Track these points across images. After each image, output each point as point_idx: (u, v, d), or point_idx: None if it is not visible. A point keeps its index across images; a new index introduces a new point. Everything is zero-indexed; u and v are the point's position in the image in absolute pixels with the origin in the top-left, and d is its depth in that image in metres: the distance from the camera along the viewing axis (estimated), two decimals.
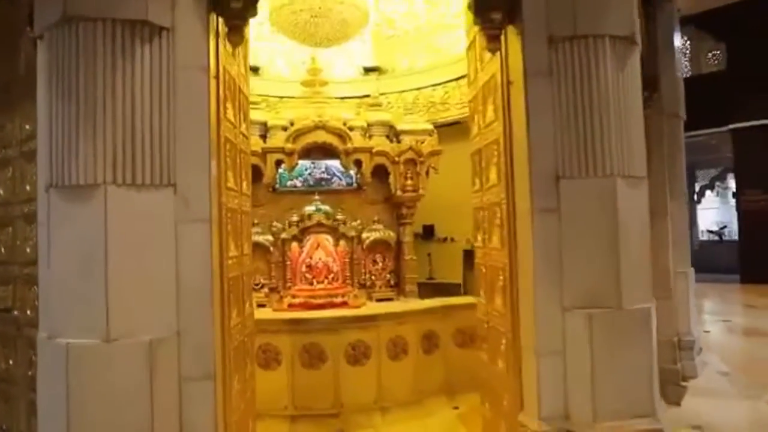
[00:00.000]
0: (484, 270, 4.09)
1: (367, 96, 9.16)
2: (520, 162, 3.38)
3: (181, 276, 2.73)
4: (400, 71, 9.62)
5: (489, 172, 3.87)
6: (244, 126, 3.86)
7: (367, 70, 9.76)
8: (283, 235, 7.99)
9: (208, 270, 2.81)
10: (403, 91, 9.46)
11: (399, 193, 8.03)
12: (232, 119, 3.52)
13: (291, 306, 7.35)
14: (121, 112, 2.67)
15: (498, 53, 3.50)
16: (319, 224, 7.86)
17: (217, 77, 3.11)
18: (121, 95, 2.77)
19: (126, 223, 2.71)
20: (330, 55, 9.06)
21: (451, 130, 8.94)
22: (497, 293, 3.77)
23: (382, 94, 9.10)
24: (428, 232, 9.75)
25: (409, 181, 8.05)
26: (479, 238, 4.25)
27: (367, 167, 7.83)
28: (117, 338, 2.53)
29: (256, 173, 7.64)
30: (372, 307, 6.65)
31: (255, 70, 9.33)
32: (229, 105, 3.43)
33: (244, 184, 3.84)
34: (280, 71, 9.58)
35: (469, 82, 4.36)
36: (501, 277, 3.64)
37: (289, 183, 8.28)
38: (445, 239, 9.85)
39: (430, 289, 8.96)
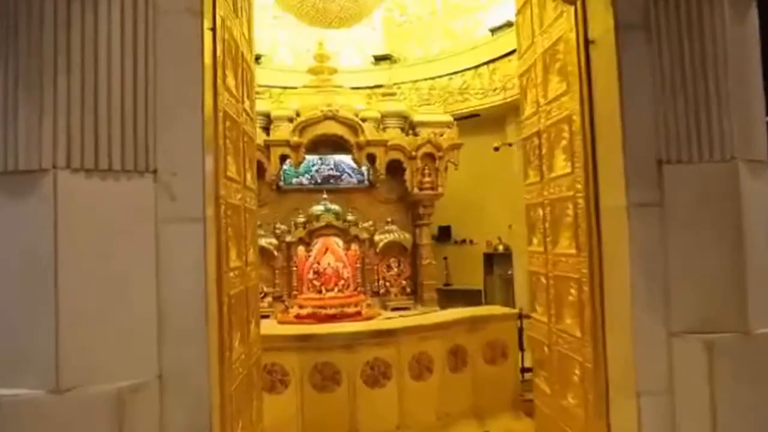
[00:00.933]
0: (544, 281, 3.31)
1: (379, 86, 8.40)
2: (607, 144, 2.61)
3: (164, 296, 1.96)
4: (413, 59, 8.86)
5: (554, 160, 3.10)
6: (248, 103, 3.09)
7: (378, 59, 9.00)
8: (289, 238, 7.21)
9: (201, 286, 2.03)
10: (417, 81, 8.69)
11: (416, 190, 7.26)
12: (234, 91, 2.74)
13: (298, 317, 6.57)
14: (79, 74, 1.89)
15: (572, 8, 2.72)
16: (328, 226, 7.08)
17: (213, 29, 2.34)
18: (79, 50, 2.00)
19: (85, 222, 1.92)
20: (337, 43, 8.30)
21: (470, 123, 8.18)
22: (567, 310, 3.00)
23: (394, 84, 8.33)
24: (445, 234, 8.97)
25: (426, 178, 7.28)
26: (534, 240, 3.48)
27: (380, 162, 7.05)
28: (71, 387, 1.75)
29: (258, 169, 6.87)
30: (392, 321, 5.86)
31: (256, 59, 8.55)
32: (229, 72, 2.65)
33: (249, 175, 3.06)
34: (284, 60, 8.82)
35: (519, 54, 3.59)
36: (574, 291, 2.87)
37: (294, 180, 7.50)
38: (463, 241, 9.08)
39: (447, 296, 8.18)
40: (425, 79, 8.59)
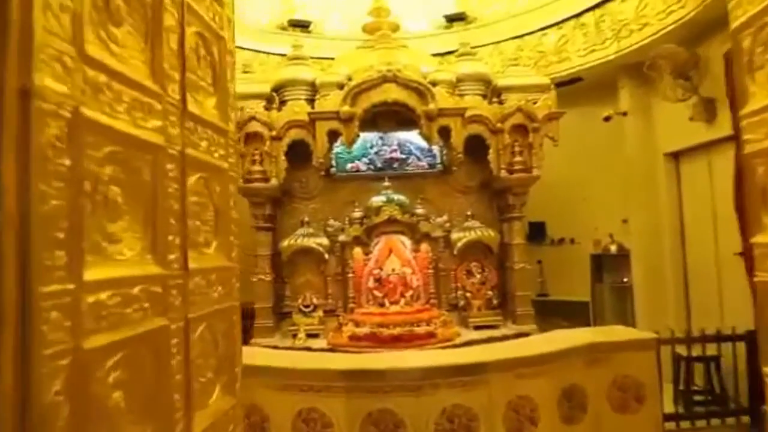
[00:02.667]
0: None
1: (451, 52, 6.80)
2: None
3: None
4: (493, 17, 7.19)
5: None
6: None
7: (450, 20, 7.41)
8: (342, 237, 5.77)
9: None
10: (500, 42, 7.01)
11: (503, 173, 5.60)
12: None
13: (353, 339, 5.10)
14: None
15: None
16: (392, 221, 5.57)
17: None
18: None
19: None
20: (399, 3, 6.79)
21: (569, 91, 6.40)
22: None
23: (471, 48, 6.71)
24: (538, 233, 7.19)
25: (517, 157, 5.61)
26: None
27: (457, 137, 5.45)
28: None
29: (304, 152, 5.50)
30: (480, 352, 4.23)
31: (305, 26, 7.23)
32: None
33: (213, 100, 1.60)
34: (336, 28, 7.43)
35: None
36: None
37: (349, 166, 6.06)
38: (561, 241, 7.28)
39: (543, 310, 6.41)
40: (510, 39, 6.91)
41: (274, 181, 5.45)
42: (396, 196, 5.66)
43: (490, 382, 3.71)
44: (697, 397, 4.84)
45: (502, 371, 3.80)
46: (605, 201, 6.73)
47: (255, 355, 4.10)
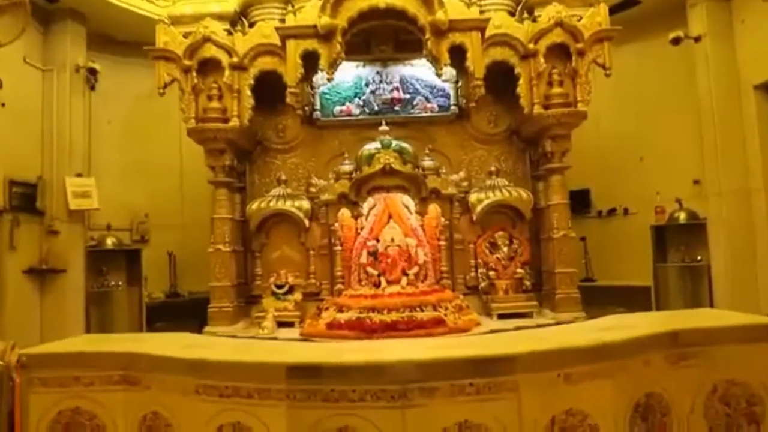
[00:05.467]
0: None
1: None
2: None
3: None
4: None
5: None
6: None
7: None
8: (326, 196, 4.44)
9: None
10: None
11: (537, 109, 4.18)
12: None
13: (333, 327, 3.75)
14: None
15: None
16: (388, 172, 4.22)
17: None
18: None
19: None
20: None
21: (624, 18, 4.90)
22: None
23: None
24: (580, 203, 5.67)
25: (556, 88, 4.20)
26: None
27: (476, 61, 4.07)
28: None
29: (279, 90, 4.18)
30: (501, 339, 2.84)
31: None
32: None
33: None
34: None
35: None
36: None
37: (337, 110, 4.74)
38: (611, 212, 5.79)
39: (589, 297, 4.87)
40: None
41: (235, 122, 4.18)
42: (395, 142, 4.31)
43: (519, 387, 2.32)
44: None
45: (539, 369, 2.41)
46: (670, 157, 5.24)
47: (162, 342, 2.82)
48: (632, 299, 4.98)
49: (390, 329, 3.57)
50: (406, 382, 2.20)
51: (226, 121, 4.20)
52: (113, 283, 5.11)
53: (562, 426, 2.31)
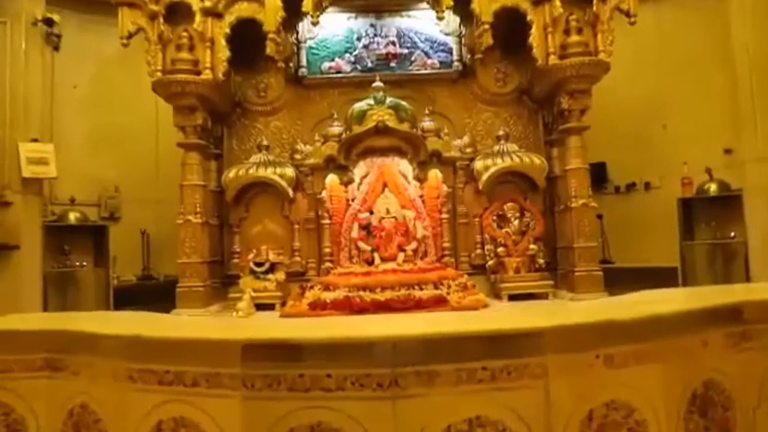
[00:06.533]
0: None
1: None
2: None
3: None
4: None
5: None
6: None
7: None
8: (311, 161, 3.91)
9: None
10: None
11: (552, 60, 3.63)
12: None
13: (316, 307, 3.22)
14: None
15: None
16: (382, 130, 3.69)
17: None
18: None
19: None
20: None
21: None
22: None
23: None
24: (595, 178, 5.09)
25: (574, 36, 3.66)
26: None
27: (483, 4, 3.53)
28: None
29: (260, 42, 3.63)
30: (520, 313, 2.31)
31: None
32: None
33: None
34: None
35: None
36: None
37: (326, 66, 4.20)
38: (630, 187, 5.26)
39: (606, 282, 4.32)
40: None
41: (207, 74, 3.64)
42: (390, 98, 3.77)
43: (548, 373, 1.78)
44: None
45: (572, 349, 1.87)
46: (698, 124, 4.71)
47: (101, 321, 2.32)
48: (656, 282, 4.43)
49: (383, 309, 3.05)
50: (398, 365, 1.68)
51: (197, 74, 3.66)
52: (78, 263, 4.58)
53: (602, 422, 1.79)
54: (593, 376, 1.78)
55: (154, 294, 4.84)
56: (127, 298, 4.78)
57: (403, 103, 3.86)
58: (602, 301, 2.59)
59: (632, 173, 5.20)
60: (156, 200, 5.06)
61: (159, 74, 3.63)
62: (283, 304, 3.62)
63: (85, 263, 4.61)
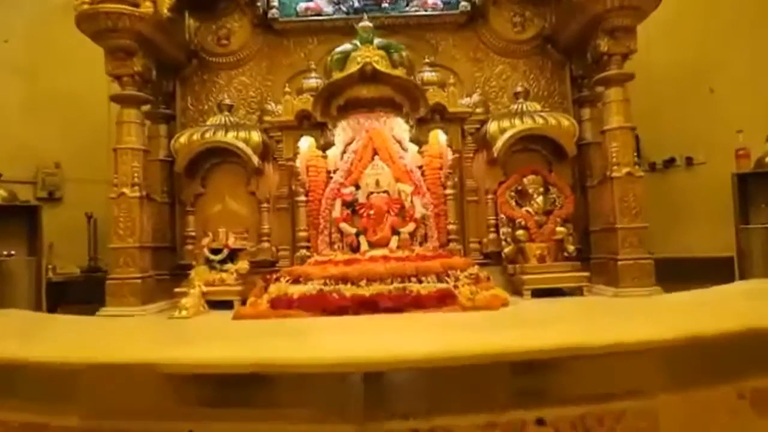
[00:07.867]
0: None
1: None
2: None
3: None
4: None
5: None
6: None
7: None
8: (281, 118, 3.11)
9: None
10: None
11: None
12: None
13: (279, 305, 2.42)
14: None
15: None
16: (371, 76, 2.88)
17: None
18: None
19: None
20: None
21: None
22: None
23: None
24: None
25: None
26: None
27: None
28: None
29: None
30: (562, 322, 1.50)
31: None
32: None
33: None
34: None
35: None
36: None
37: (302, 7, 3.40)
38: (668, 163, 4.43)
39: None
40: None
41: (147, 7, 2.82)
42: (378, 39, 2.96)
43: (659, 425, 0.89)
44: None
45: (695, 382, 0.97)
46: (753, 85, 3.88)
47: None
48: (707, 275, 3.62)
49: (367, 308, 2.24)
50: (373, 416, 0.86)
51: (135, 6, 2.85)
52: (5, 252, 3.78)
53: None
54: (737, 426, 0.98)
55: (103, 289, 4.06)
56: (69, 294, 3.99)
57: (397, 43, 3.04)
58: (695, 298, 1.78)
59: (671, 147, 4.36)
60: (107, 180, 4.24)
61: (86, 6, 2.83)
62: (244, 301, 2.81)
63: (13, 252, 3.80)
